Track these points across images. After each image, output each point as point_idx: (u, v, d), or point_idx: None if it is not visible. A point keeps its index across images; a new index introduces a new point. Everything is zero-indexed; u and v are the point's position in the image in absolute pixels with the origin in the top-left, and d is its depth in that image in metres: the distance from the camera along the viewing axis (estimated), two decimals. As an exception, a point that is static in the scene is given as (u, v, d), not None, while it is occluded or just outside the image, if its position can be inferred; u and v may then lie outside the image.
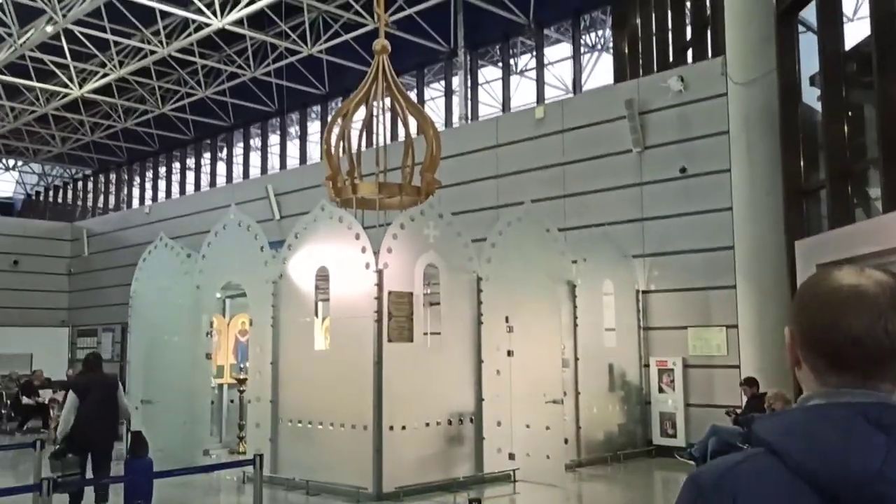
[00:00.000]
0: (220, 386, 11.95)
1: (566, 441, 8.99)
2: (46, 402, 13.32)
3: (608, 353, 10.24)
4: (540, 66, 19.15)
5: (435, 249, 8.22)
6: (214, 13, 17.85)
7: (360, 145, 10.51)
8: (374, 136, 10.64)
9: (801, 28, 9.11)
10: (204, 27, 18.60)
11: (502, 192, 12.33)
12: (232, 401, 11.22)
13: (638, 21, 14.96)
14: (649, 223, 10.84)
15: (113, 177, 33.52)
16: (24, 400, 13.77)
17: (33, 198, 37.23)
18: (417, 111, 10.79)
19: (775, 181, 9.08)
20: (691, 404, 10.24)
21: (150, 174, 31.77)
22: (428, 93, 21.75)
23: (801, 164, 8.92)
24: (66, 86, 22.76)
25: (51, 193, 36.89)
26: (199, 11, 17.93)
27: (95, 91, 23.58)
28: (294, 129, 25.93)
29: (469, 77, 19.89)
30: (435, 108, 21.31)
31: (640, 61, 14.14)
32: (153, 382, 9.37)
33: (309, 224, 8.47)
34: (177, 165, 30.80)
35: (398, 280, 7.89)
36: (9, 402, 14.41)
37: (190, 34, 19.28)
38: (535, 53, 19.44)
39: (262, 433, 8.46)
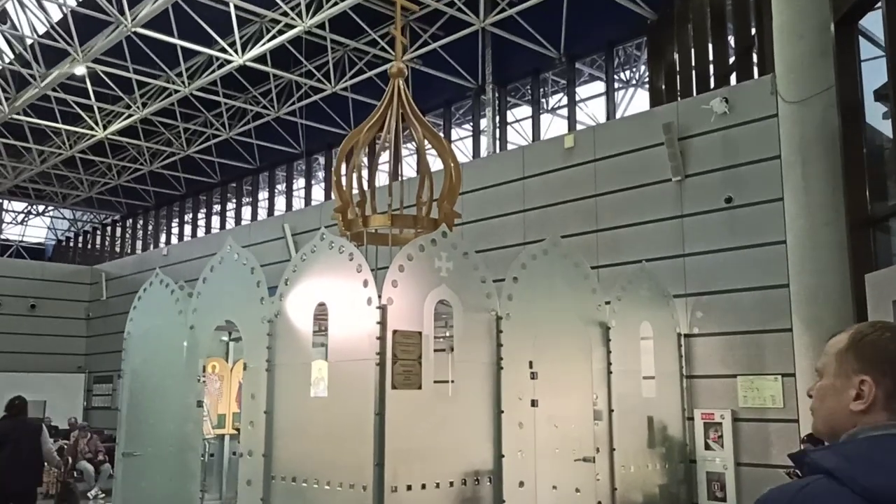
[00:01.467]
0: (221, 437, 11.01)
1: (599, 505, 7.86)
2: None
3: (647, 404, 9.12)
4: (571, 102, 18.34)
5: (448, 284, 7.26)
6: (236, 51, 17.51)
7: (372, 175, 9.69)
8: (389, 165, 9.79)
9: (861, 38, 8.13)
10: (226, 64, 18.27)
11: (529, 227, 11.38)
12: (234, 453, 10.24)
13: (675, 50, 14.09)
14: (692, 259, 9.79)
15: (140, 221, 33.23)
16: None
17: (63, 243, 37.13)
18: (435, 138, 9.94)
19: (837, 210, 7.99)
20: (743, 463, 9.04)
21: (176, 219, 31.42)
22: (456, 132, 21.02)
23: (867, 190, 7.85)
24: (91, 128, 22.49)
25: (80, 239, 36.80)
26: (223, 50, 17.61)
27: (121, 133, 23.40)
28: (320, 172, 25.36)
29: (497, 114, 19.13)
30: (463, 148, 20.54)
31: (678, 91, 13.22)
32: (140, 433, 8.43)
33: (307, 255, 7.59)
34: (203, 210, 30.42)
35: (405, 318, 6.93)
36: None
37: (213, 72, 18.96)
38: (566, 90, 18.63)
39: (254, 492, 7.46)
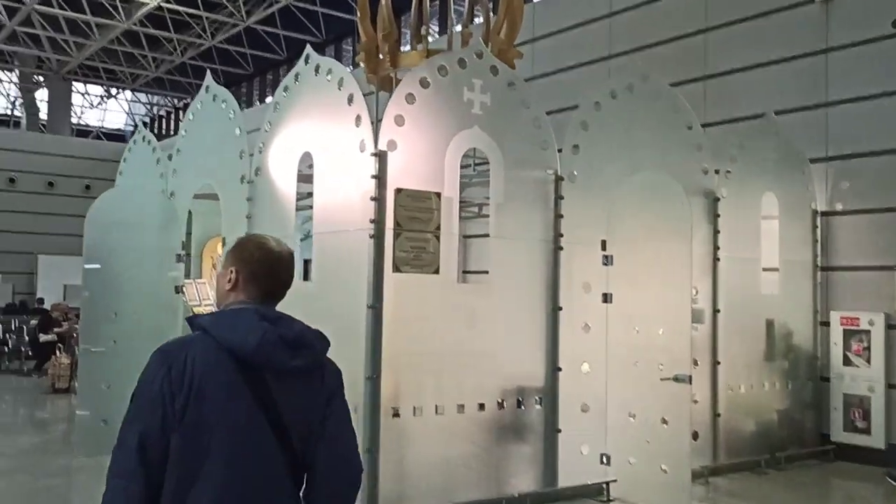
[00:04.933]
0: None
1: (695, 437, 5.72)
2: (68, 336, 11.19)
3: (766, 303, 6.77)
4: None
5: (483, 125, 5.02)
6: None
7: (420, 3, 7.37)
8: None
9: None
10: None
11: (616, 78, 8.87)
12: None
13: None
14: (837, 110, 7.18)
15: (211, 103, 31.73)
16: (42, 337, 11.69)
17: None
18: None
19: None
20: (897, 385, 6.68)
21: (244, 99, 29.83)
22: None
23: None
24: None
25: (155, 123, 35.92)
26: None
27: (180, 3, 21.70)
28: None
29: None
30: None
31: None
32: (106, 325, 6.66)
33: (290, 86, 5.45)
34: (270, 90, 28.76)
35: (414, 172, 4.77)
36: (27, 338, 12.43)
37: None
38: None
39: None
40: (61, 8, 22.77)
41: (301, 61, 5.31)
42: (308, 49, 5.30)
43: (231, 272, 1.95)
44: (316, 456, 1.90)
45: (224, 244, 6.10)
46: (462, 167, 5.11)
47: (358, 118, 4.74)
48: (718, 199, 6.43)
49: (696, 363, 5.92)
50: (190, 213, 7.55)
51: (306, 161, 5.26)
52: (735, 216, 6.55)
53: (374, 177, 4.61)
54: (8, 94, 33.08)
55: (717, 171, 6.51)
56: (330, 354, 2.00)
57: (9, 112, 33.33)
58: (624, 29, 9.00)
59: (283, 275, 2.00)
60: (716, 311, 6.33)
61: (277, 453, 1.86)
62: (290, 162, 5.35)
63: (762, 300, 6.75)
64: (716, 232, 6.40)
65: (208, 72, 6.73)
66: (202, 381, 1.79)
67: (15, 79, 32.05)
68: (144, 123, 35.84)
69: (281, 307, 1.95)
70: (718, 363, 6.30)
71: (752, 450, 6.47)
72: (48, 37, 24.49)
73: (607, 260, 5.50)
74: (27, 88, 29.74)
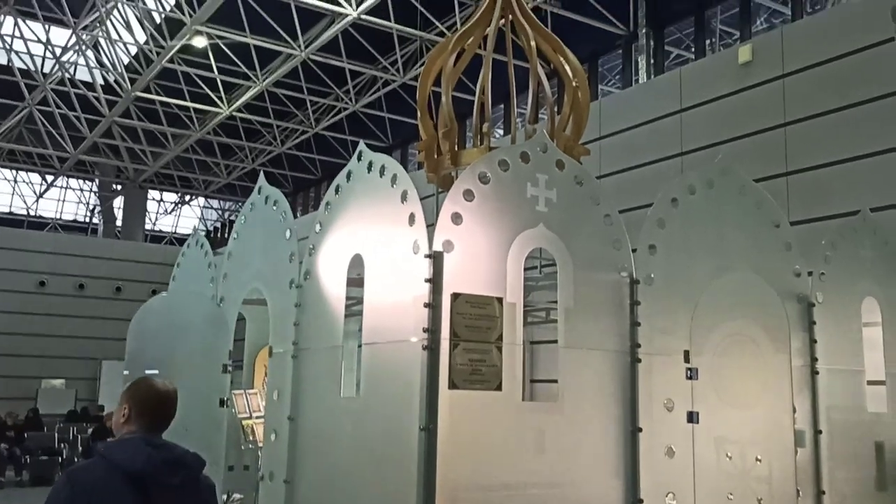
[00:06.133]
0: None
1: (802, 581, 4.90)
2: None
3: (873, 422, 5.97)
4: (746, 24, 14.84)
5: (549, 224, 4.56)
6: (398, 70, 18.74)
7: (485, 90, 7.08)
8: (486, 85, 7.17)
9: None
10: (390, 83, 19.52)
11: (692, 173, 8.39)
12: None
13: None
14: (943, 205, 6.52)
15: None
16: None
17: (212, 234, 37.17)
18: (556, 46, 7.22)
19: None
20: None
21: (313, 203, 30.41)
22: (602, 89, 18.00)
23: None
24: (215, 104, 21.42)
25: (227, 228, 36.77)
26: (385, 69, 19.18)
27: (250, 113, 22.70)
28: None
29: (653, 63, 15.96)
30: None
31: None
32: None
33: (342, 185, 5.13)
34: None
35: (474, 275, 4.30)
36: (80, 448, 12.17)
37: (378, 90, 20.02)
38: (738, 30, 15.17)
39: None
40: (139, 119, 23.76)
41: (354, 158, 5.01)
42: (361, 145, 4.99)
43: (125, 408, 2.58)
44: None
45: (271, 354, 5.68)
46: (527, 269, 4.65)
47: (412, 216, 4.34)
48: (813, 305, 5.77)
49: (798, 493, 5.15)
50: (245, 319, 7.24)
51: (357, 264, 4.87)
52: (833, 323, 5.85)
53: (427, 280, 4.16)
54: (87, 203, 34.44)
55: (809, 274, 5.88)
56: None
57: (87, 219, 34.62)
58: (697, 123, 8.58)
59: (167, 410, 2.63)
60: (817, 431, 5.56)
61: None
62: (340, 265, 4.97)
63: (869, 419, 5.95)
64: (812, 341, 5.70)
65: (261, 174, 6.50)
66: (99, 497, 2.35)
67: (95, 188, 33.40)
68: (216, 229, 36.82)
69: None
70: (823, 493, 5.48)
71: None
72: (126, 147, 25.50)
73: (692, 373, 4.87)
74: (105, 197, 30.87)
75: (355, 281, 5.01)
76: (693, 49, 15.72)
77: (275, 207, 5.97)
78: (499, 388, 4.27)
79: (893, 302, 6.28)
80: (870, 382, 6.06)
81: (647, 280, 4.88)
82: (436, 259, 4.18)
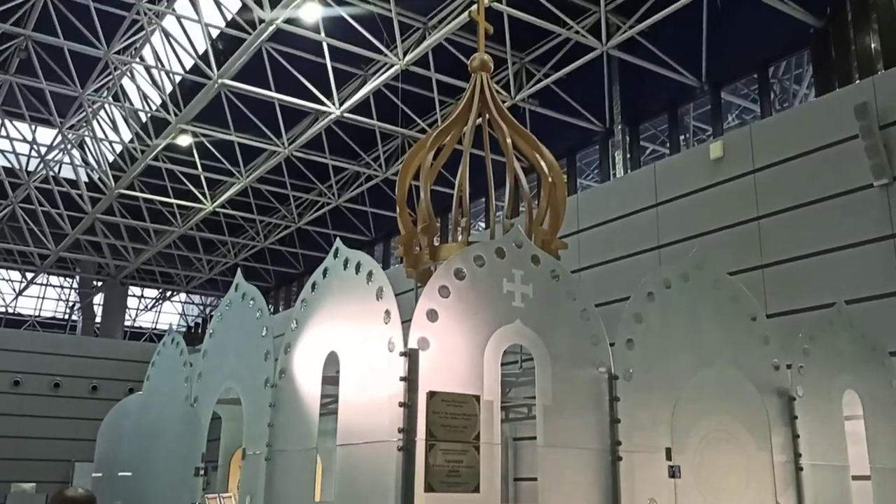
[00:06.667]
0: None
1: None
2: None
3: (862, 519, 5.85)
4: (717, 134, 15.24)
5: (525, 319, 4.55)
6: (380, 165, 19.36)
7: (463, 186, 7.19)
8: (464, 181, 7.29)
9: None
10: (373, 178, 19.99)
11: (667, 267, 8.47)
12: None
13: (854, 52, 11.06)
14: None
15: (261, 303, 32.23)
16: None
17: (192, 330, 36.83)
18: (532, 142, 7.38)
19: None
20: None
21: (295, 297, 30.29)
22: (581, 183, 18.34)
23: None
24: (199, 201, 21.57)
25: (207, 324, 36.43)
26: (367, 165, 19.75)
27: (234, 208, 22.96)
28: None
29: (629, 158, 16.31)
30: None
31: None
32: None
33: (318, 281, 5.12)
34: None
35: (451, 372, 4.25)
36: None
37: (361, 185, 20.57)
38: (711, 126, 15.60)
39: None
40: (122, 216, 23.84)
41: (330, 255, 5.02)
42: (338, 242, 5.01)
43: None
44: None
45: (244, 457, 5.54)
46: (507, 364, 4.61)
47: (387, 313, 4.32)
48: (794, 399, 5.73)
49: None
50: (221, 420, 7.10)
51: (333, 362, 4.81)
52: (814, 417, 5.80)
53: (403, 379, 4.11)
54: (67, 300, 34.14)
55: (788, 366, 5.87)
56: None
57: (66, 316, 34.25)
58: (672, 217, 8.72)
59: None
60: (804, 529, 5.44)
61: None
62: (316, 363, 4.90)
63: (856, 516, 5.83)
64: (795, 436, 5.64)
65: (238, 270, 6.50)
66: None
67: (75, 284, 33.18)
68: (196, 325, 36.42)
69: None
70: None
71: None
72: (108, 243, 25.48)
73: (674, 471, 4.78)
74: (85, 293, 30.62)
75: (331, 379, 4.93)
76: (668, 144, 16.13)
77: (251, 304, 5.92)
78: (476, 489, 4.16)
79: (874, 395, 6.25)
80: (855, 478, 5.97)
81: (626, 375, 4.84)
82: (411, 357, 4.14)
